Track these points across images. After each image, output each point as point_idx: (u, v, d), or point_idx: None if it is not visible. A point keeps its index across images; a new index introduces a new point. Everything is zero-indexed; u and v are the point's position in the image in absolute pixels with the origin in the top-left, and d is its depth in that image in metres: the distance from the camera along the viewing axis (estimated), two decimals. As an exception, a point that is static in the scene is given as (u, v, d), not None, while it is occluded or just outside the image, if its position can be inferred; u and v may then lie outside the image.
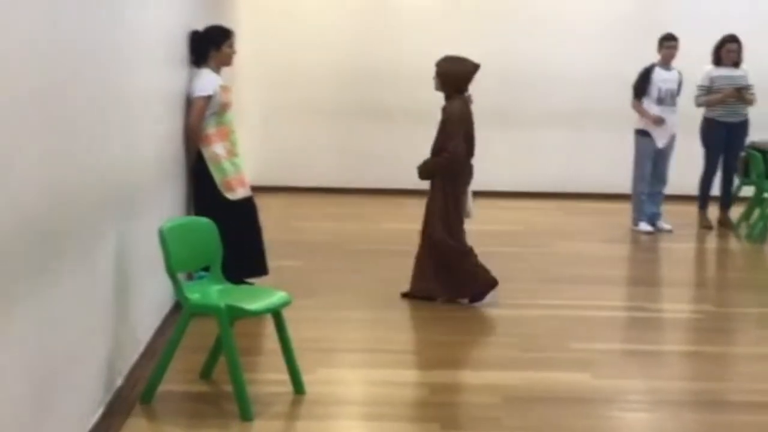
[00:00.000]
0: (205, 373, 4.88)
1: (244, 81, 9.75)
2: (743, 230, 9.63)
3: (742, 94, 9.43)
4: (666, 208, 9.62)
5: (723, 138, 9.56)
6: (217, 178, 6.15)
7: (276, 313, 4.70)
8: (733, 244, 9.43)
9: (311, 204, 10.61)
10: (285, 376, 4.74)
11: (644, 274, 8.13)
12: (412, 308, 6.41)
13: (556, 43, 11.45)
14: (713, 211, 9.81)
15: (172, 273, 4.49)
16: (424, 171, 6.50)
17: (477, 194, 11.15)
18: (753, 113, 9.61)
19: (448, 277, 6.47)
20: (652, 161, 9.43)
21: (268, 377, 4.96)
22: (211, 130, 6.15)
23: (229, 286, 4.86)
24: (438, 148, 6.46)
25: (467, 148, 6.47)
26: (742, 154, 9.71)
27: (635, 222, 9.55)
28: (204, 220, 4.94)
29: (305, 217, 9.86)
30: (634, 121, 9.52)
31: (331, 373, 5.13)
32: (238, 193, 6.23)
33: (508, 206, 10.83)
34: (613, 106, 10.60)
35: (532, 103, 11.58)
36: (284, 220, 9.28)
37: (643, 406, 4.90)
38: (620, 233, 9.43)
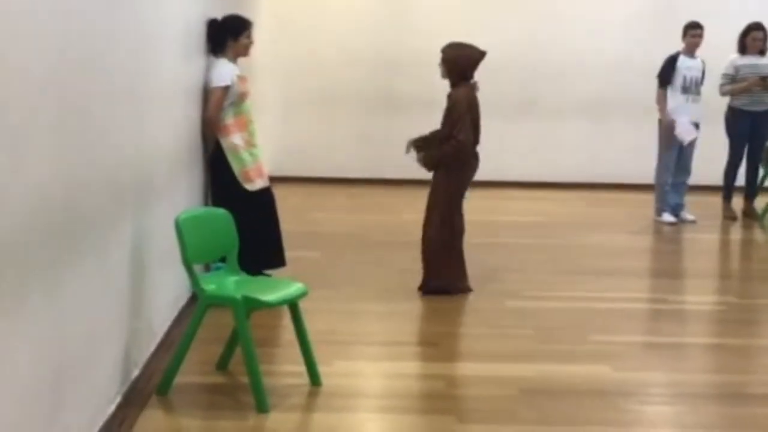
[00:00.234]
0: (222, 365, 4.87)
1: (262, 70, 9.73)
2: (768, 221, 9.53)
3: (767, 83, 9.30)
4: (690, 199, 9.53)
5: (748, 127, 9.45)
6: (236, 168, 6.13)
7: (293, 305, 4.67)
8: (758, 235, 9.33)
9: (330, 195, 10.59)
10: (301, 368, 4.72)
11: (667, 266, 8.05)
12: (429, 300, 6.36)
13: (579, 32, 11.36)
14: (738, 202, 9.70)
15: (188, 264, 4.47)
16: (430, 161, 6.41)
17: (497, 185, 11.29)
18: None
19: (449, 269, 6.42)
20: (676, 151, 9.33)
21: (285, 369, 4.94)
22: (229, 120, 6.14)
23: (245, 277, 4.85)
24: (443, 136, 6.38)
25: (474, 135, 6.39)
26: (768, 143, 9.60)
27: (658, 213, 9.46)
28: (220, 210, 4.92)
29: (323, 208, 9.84)
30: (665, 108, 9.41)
31: (347, 365, 5.09)
32: (257, 183, 6.21)
33: (529, 197, 10.78)
34: (636, 96, 10.52)
35: (554, 93, 11.50)
36: (302, 211, 9.26)
37: (663, 399, 4.84)
38: (643, 224, 9.34)
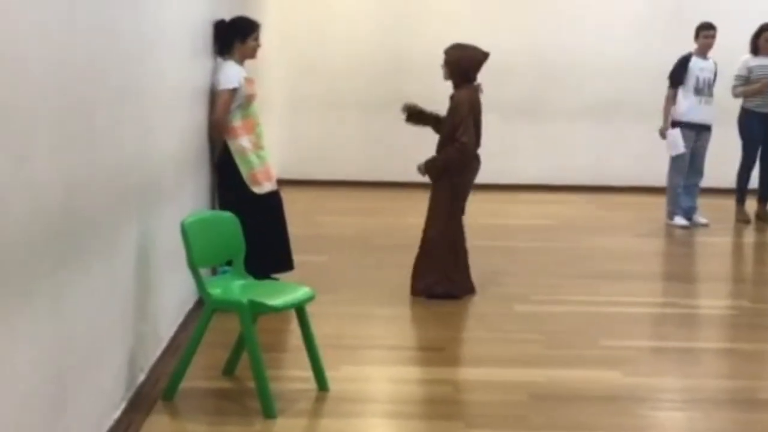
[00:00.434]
0: (228, 370, 4.84)
1: (269, 73, 9.70)
2: (782, 224, 9.45)
3: (781, 85, 9.24)
4: (702, 202, 9.46)
5: (761, 129, 9.38)
6: (244, 171, 6.10)
7: (299, 309, 4.64)
8: (771, 238, 9.26)
9: (337, 198, 10.56)
10: (309, 373, 4.69)
11: (679, 269, 7.98)
12: (436, 304, 6.31)
13: (587, 33, 11.31)
14: (751, 205, 9.63)
15: (193, 268, 4.45)
16: (434, 169, 6.34)
17: (505, 188, 11.25)
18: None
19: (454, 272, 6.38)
20: (688, 153, 9.26)
21: (292, 374, 4.92)
22: (236, 122, 6.11)
23: (251, 281, 4.81)
24: (445, 138, 6.33)
25: (476, 137, 6.34)
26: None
27: (670, 216, 9.39)
28: (227, 214, 4.90)
29: (331, 211, 9.80)
30: (671, 112, 9.33)
31: (355, 370, 5.06)
32: (265, 186, 6.18)
33: (538, 200, 10.73)
34: (646, 97, 10.44)
35: (563, 94, 11.45)
36: (309, 215, 9.23)
37: (675, 405, 4.80)
38: (654, 227, 9.28)
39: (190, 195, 5.66)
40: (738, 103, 9.49)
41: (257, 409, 4.35)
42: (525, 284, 6.88)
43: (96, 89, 3.69)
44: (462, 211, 6.44)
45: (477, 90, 6.36)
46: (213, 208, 6.19)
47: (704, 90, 9.21)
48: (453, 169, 6.30)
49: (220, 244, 4.74)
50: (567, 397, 4.71)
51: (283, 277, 6.14)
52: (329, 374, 4.70)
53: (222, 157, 6.11)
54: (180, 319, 5.46)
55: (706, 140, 9.31)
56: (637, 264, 7.77)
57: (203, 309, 4.52)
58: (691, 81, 9.19)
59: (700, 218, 9.37)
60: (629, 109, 11.32)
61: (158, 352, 4.89)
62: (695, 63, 9.22)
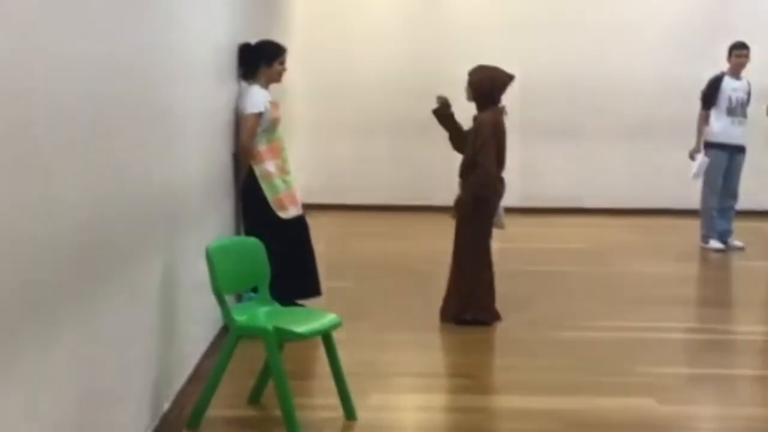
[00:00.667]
0: (254, 398, 4.79)
1: (294, 96, 9.68)
2: (819, 247, 9.28)
3: (816, 105, 9.11)
4: (738, 225, 9.31)
5: (797, 150, 9.24)
6: (269, 195, 6.06)
7: (326, 336, 4.58)
8: (809, 261, 9.08)
9: (365, 222, 10.50)
10: (336, 401, 4.62)
11: (715, 294, 7.84)
12: (467, 331, 6.22)
13: (621, 53, 11.22)
14: (788, 228, 9.48)
15: (218, 294, 4.41)
16: (465, 207, 6.26)
17: (538, 211, 11.16)
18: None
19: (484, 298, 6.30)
20: (722, 175, 9.12)
21: (319, 402, 4.85)
22: (262, 147, 6.08)
23: (277, 307, 4.77)
24: (468, 160, 6.25)
25: (499, 160, 6.26)
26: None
27: (705, 239, 9.25)
28: (252, 239, 4.85)
29: (359, 236, 9.75)
30: (704, 133, 9.22)
31: (383, 397, 4.98)
32: (290, 211, 6.14)
33: (571, 223, 10.62)
34: (680, 118, 10.30)
35: (597, 115, 11.35)
36: (337, 240, 9.17)
37: (712, 435, 4.67)
38: (689, 251, 9.15)
39: (215, 220, 5.63)
40: (774, 124, 9.35)
41: (283, 438, 4.27)
42: (557, 310, 6.77)
43: (122, 115, 3.67)
44: (489, 234, 6.35)
45: (501, 112, 6.28)
46: (238, 233, 6.16)
47: (737, 110, 9.09)
48: (482, 197, 6.21)
49: (245, 270, 4.70)
50: (602, 425, 4.61)
51: (309, 303, 6.08)
52: (357, 402, 4.63)
53: (247, 181, 6.07)
54: (205, 347, 5.40)
55: (741, 162, 9.17)
56: (672, 289, 7.64)
57: (228, 336, 4.47)
58: (723, 101, 9.08)
59: (735, 242, 9.22)
60: (664, 129, 11.20)
61: (183, 380, 4.83)
62: (728, 83, 9.11)
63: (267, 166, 6.08)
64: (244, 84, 6.21)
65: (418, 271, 7.95)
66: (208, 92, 5.48)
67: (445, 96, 6.51)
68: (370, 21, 11.27)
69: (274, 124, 6.15)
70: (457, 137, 6.47)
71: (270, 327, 4.36)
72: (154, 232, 4.26)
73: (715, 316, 6.95)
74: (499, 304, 6.42)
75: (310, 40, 10.89)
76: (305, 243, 6.26)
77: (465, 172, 6.30)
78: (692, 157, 9.13)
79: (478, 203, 6.23)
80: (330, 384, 4.64)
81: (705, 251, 9.15)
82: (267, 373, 4.66)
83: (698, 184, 9.30)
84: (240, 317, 4.48)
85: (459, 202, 6.32)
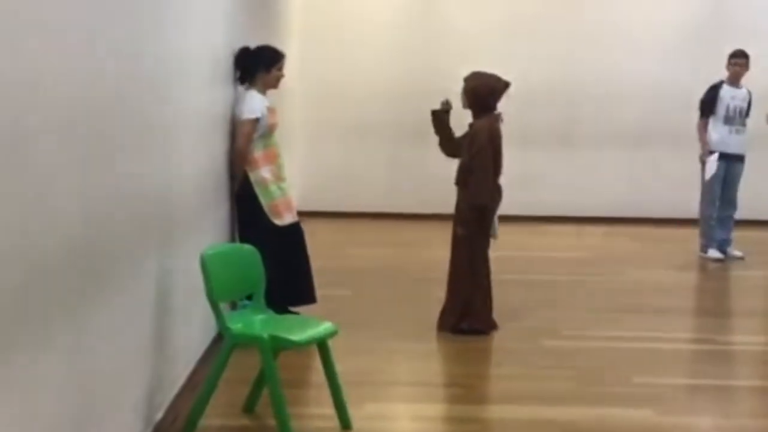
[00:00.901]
0: (248, 407, 4.75)
1: (291, 102, 9.65)
2: (819, 257, 9.24)
3: (817, 113, 9.08)
4: (737, 234, 9.27)
5: (797, 159, 9.21)
6: (264, 202, 6.03)
7: (322, 344, 4.55)
8: (809, 271, 9.04)
9: (361, 230, 10.46)
10: (331, 411, 4.58)
11: (713, 304, 7.81)
12: (462, 339, 6.19)
13: (619, 59, 11.18)
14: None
15: (213, 302, 4.38)
16: (468, 222, 6.20)
17: (535, 219, 11.13)
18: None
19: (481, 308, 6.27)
20: (720, 184, 9.09)
21: (314, 411, 4.82)
22: (258, 153, 6.04)
23: (273, 315, 4.75)
24: (464, 168, 6.23)
25: (495, 168, 6.22)
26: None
27: (704, 248, 9.21)
28: (247, 247, 4.83)
29: (354, 243, 9.71)
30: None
31: (379, 407, 4.95)
32: (286, 218, 6.10)
33: (569, 232, 10.58)
34: (679, 125, 10.28)
35: (595, 123, 11.32)
36: (332, 247, 9.12)
37: (711, 446, 4.64)
38: (688, 260, 9.11)
39: (210, 227, 5.60)
40: (773, 132, 9.33)
41: (278, 447, 4.24)
42: (555, 319, 6.73)
43: (117, 121, 3.65)
44: (487, 243, 6.31)
45: (497, 119, 6.26)
46: (233, 240, 6.12)
47: (735, 119, 9.06)
48: (479, 205, 6.17)
49: (240, 277, 4.68)
50: (599, 436, 4.57)
51: (304, 311, 6.03)
52: (352, 412, 4.60)
53: (242, 187, 6.03)
54: (199, 355, 5.36)
55: (739, 171, 9.14)
56: (670, 298, 7.60)
57: (223, 344, 4.44)
58: (721, 110, 9.06)
59: (734, 251, 9.18)
60: (663, 138, 11.16)
61: (177, 389, 4.79)
62: (726, 91, 9.08)
63: (262, 173, 6.04)
64: (240, 89, 6.18)
65: (414, 280, 7.91)
66: (205, 98, 5.45)
67: (450, 100, 6.48)
68: (367, 27, 11.22)
69: (270, 130, 6.12)
70: (447, 142, 6.45)
71: (265, 335, 4.33)
72: (149, 238, 4.23)
73: (714, 326, 6.91)
74: (496, 314, 6.39)
75: (307, 46, 10.85)
76: (300, 250, 6.22)
77: (461, 180, 6.26)
78: (703, 161, 9.07)
79: (476, 211, 6.19)
80: (325, 393, 4.61)
81: (704, 260, 9.11)
82: (262, 381, 4.63)
83: (697, 193, 9.26)
84: (235, 325, 4.45)
85: (461, 216, 6.27)
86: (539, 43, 11.16)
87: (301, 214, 6.51)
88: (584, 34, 11.23)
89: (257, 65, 6.17)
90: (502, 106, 6.33)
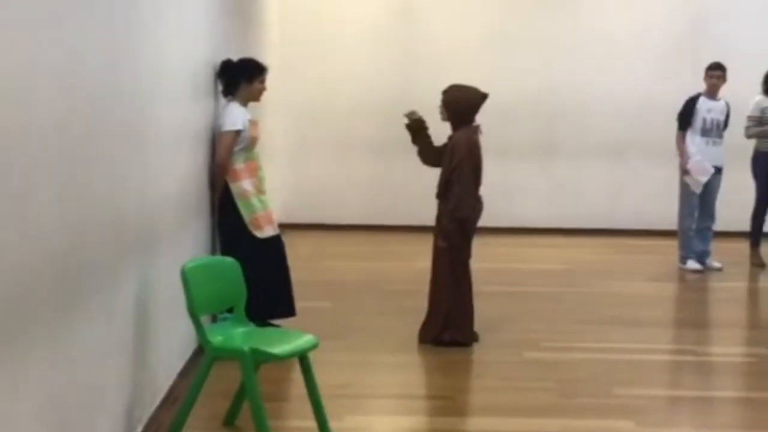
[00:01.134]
0: (229, 420, 4.72)
1: (272, 114, 9.63)
2: (797, 268, 9.29)
3: (794, 126, 9.13)
4: (715, 245, 9.31)
5: (775, 171, 9.24)
6: (245, 214, 6.01)
7: (303, 357, 4.53)
8: (787, 283, 9.09)
9: (341, 242, 10.43)
10: (312, 424, 4.56)
11: (693, 316, 7.81)
12: (443, 352, 6.18)
13: (599, 72, 11.22)
14: (766, 249, 9.46)
15: (194, 315, 4.36)
16: (451, 234, 6.19)
17: (515, 231, 11.15)
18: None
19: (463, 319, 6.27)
20: (698, 196, 9.13)
21: (294, 424, 4.80)
22: (239, 165, 6.03)
23: (253, 328, 4.73)
24: (444, 180, 6.24)
25: (475, 180, 6.24)
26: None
27: (683, 260, 9.24)
28: (228, 259, 4.81)
29: (335, 256, 9.67)
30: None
31: (360, 420, 4.93)
32: (267, 231, 6.09)
33: (549, 244, 10.59)
34: (658, 138, 10.31)
35: (575, 136, 11.35)
36: (313, 260, 9.09)
37: (691, 457, 4.64)
38: (667, 272, 9.13)
39: (190, 239, 5.57)
40: (751, 144, 9.37)
41: (258, 461, 4.22)
42: (535, 331, 6.73)
43: (96, 133, 3.63)
44: (468, 255, 6.32)
45: (476, 131, 6.27)
46: (213, 252, 6.10)
47: (712, 131, 9.11)
48: (463, 217, 6.18)
49: (221, 290, 4.66)
50: (579, 449, 4.57)
51: (285, 323, 6.02)
52: (333, 425, 4.58)
53: (223, 200, 6.01)
54: (179, 368, 5.33)
55: (717, 182, 9.19)
56: (650, 310, 7.62)
57: (203, 357, 4.42)
58: (698, 122, 9.11)
59: (713, 262, 9.22)
60: (642, 150, 11.21)
61: (156, 402, 4.76)
62: (703, 104, 9.13)
63: (244, 185, 6.02)
64: (222, 101, 6.16)
65: (395, 292, 7.89)
66: (185, 109, 5.44)
67: (416, 112, 6.48)
68: (347, 41, 11.23)
69: (252, 142, 6.11)
70: (427, 152, 6.45)
71: (246, 348, 4.31)
72: (129, 251, 4.21)
73: (694, 338, 6.92)
74: (478, 325, 6.39)
75: (287, 59, 10.84)
76: (281, 263, 6.19)
77: (442, 192, 6.27)
78: (685, 170, 9.08)
79: (456, 223, 6.19)
80: (306, 406, 4.59)
81: (683, 272, 9.14)
82: (242, 394, 4.60)
83: (676, 205, 9.29)
84: (215, 338, 4.43)
85: (442, 228, 6.27)
86: (519, 55, 11.19)
87: (282, 226, 6.49)
88: (564, 47, 11.27)
89: (240, 77, 6.16)
90: (483, 118, 6.35)
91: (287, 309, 6.17)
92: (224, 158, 5.96)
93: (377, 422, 4.99)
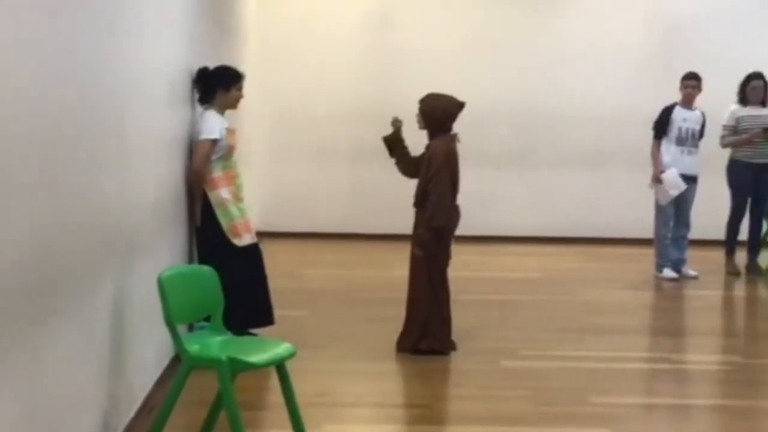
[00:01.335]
0: (206, 430, 4.67)
1: (249, 122, 9.60)
2: (772, 277, 9.35)
3: (770, 135, 9.20)
4: (691, 254, 9.36)
5: (750, 180, 9.31)
6: (224, 222, 5.99)
7: (280, 366, 4.50)
8: (762, 291, 9.15)
9: (319, 250, 10.42)
10: (289, 432, 4.53)
11: (669, 324, 7.85)
12: (421, 360, 6.17)
13: (576, 81, 11.28)
14: (741, 257, 9.53)
15: (171, 324, 4.32)
16: (427, 242, 6.21)
17: (492, 239, 11.17)
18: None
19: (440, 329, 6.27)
20: (674, 204, 9.18)
21: (272, 434, 4.76)
22: (217, 173, 6.01)
23: (230, 337, 4.69)
24: (422, 189, 6.24)
25: (452, 188, 6.25)
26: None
27: (659, 268, 9.29)
28: (205, 268, 4.79)
29: (313, 264, 9.66)
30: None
31: (337, 429, 4.92)
32: (245, 239, 6.07)
33: (525, 252, 10.62)
34: (634, 146, 10.34)
35: (551, 144, 11.39)
36: (291, 268, 9.07)
37: (667, 466, 4.65)
38: (643, 280, 9.17)
39: (167, 248, 5.54)
40: (726, 153, 9.44)
41: (235, 470, 4.18)
42: (512, 339, 6.74)
43: (72, 142, 3.61)
44: (446, 263, 6.32)
45: (453, 139, 6.28)
46: (191, 260, 6.07)
47: (687, 140, 9.16)
48: (440, 226, 6.18)
49: (198, 299, 4.62)
50: (556, 457, 4.58)
51: (263, 332, 6.00)
52: (311, 434, 4.55)
53: (201, 208, 5.98)
54: (156, 377, 5.29)
55: (692, 191, 9.24)
56: (627, 318, 7.65)
57: (180, 366, 4.38)
58: (673, 131, 9.16)
59: (689, 270, 9.27)
60: (618, 159, 11.26)
61: (132, 412, 4.72)
62: (678, 113, 9.18)
63: (222, 193, 6.00)
64: (199, 109, 6.14)
65: (373, 300, 7.88)
66: (162, 117, 5.41)
67: (399, 118, 6.50)
68: (325, 48, 11.22)
69: (229, 150, 6.09)
70: (405, 163, 6.47)
71: (223, 357, 4.28)
72: (105, 259, 4.18)
73: (670, 346, 6.95)
74: (455, 334, 6.39)
75: (265, 66, 10.83)
76: (259, 271, 6.17)
77: (419, 201, 6.28)
78: (658, 180, 9.11)
79: (433, 232, 6.20)
80: (283, 415, 4.56)
81: (659, 280, 9.18)
82: (219, 403, 4.55)
83: (652, 213, 9.34)
84: (192, 347, 4.39)
85: (418, 237, 6.27)
86: (497, 64, 11.23)
87: (259, 234, 6.48)
88: (541, 56, 11.32)
89: (217, 85, 6.14)
90: (460, 126, 6.36)
91: (265, 317, 6.15)
92: (201, 167, 5.94)
93: (355, 431, 4.98)
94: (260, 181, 10.60)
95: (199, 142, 5.95)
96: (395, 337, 6.36)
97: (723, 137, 9.37)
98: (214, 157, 5.98)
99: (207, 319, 4.74)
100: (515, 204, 11.38)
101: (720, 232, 9.58)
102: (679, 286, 8.98)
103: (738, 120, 9.30)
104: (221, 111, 6.15)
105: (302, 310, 7.40)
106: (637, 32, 11.35)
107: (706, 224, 9.71)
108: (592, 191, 11.43)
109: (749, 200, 9.41)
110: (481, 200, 10.60)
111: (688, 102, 9.23)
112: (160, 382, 5.26)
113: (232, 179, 6.11)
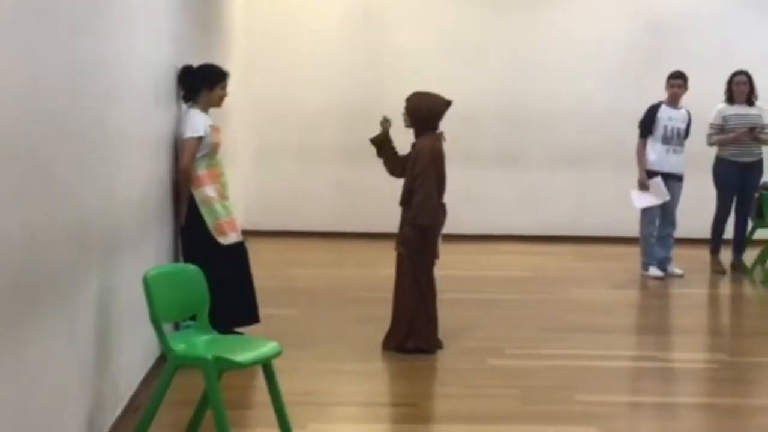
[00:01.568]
0: (192, 429, 4.67)
1: (236, 121, 9.58)
2: (758, 275, 9.35)
3: (756, 134, 9.22)
4: (677, 252, 9.39)
5: (736, 178, 9.34)
6: (209, 221, 5.97)
7: (266, 365, 4.50)
8: (748, 289, 9.18)
9: (305, 249, 10.40)
10: (275, 431, 4.51)
11: (654, 322, 7.87)
12: (408, 359, 6.17)
13: (563, 80, 11.28)
14: (726, 255, 9.57)
15: (156, 323, 4.31)
16: (411, 241, 6.20)
17: (479, 238, 11.17)
18: (767, 153, 9.41)
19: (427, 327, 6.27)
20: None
21: (258, 432, 4.74)
22: (202, 171, 5.98)
23: (216, 336, 4.69)
24: (408, 188, 6.24)
25: (439, 187, 6.24)
26: (756, 195, 9.46)
27: (644, 267, 9.31)
28: (191, 267, 4.77)
29: (299, 263, 9.63)
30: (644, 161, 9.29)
31: (324, 428, 4.91)
32: (230, 237, 6.05)
33: (512, 251, 10.63)
34: (621, 146, 10.36)
35: (537, 144, 11.39)
36: (276, 266, 9.05)
37: (654, 464, 4.66)
38: (629, 278, 9.19)
39: (153, 246, 5.52)
40: (713, 151, 9.47)
41: (221, 470, 4.17)
42: (499, 338, 6.75)
43: (56, 140, 3.59)
44: (432, 262, 6.32)
45: (439, 138, 6.28)
46: (176, 259, 6.05)
47: (672, 139, 9.18)
48: (426, 225, 6.17)
49: (184, 298, 4.62)
50: (543, 455, 4.58)
51: (248, 331, 5.98)
52: (297, 433, 4.54)
53: (187, 206, 5.96)
54: (141, 376, 5.28)
55: (678, 190, 9.26)
56: (613, 316, 7.66)
57: (166, 365, 4.37)
58: (659, 130, 9.18)
59: (675, 269, 9.30)
60: (604, 158, 11.28)
61: (118, 411, 4.71)
62: (664, 112, 9.20)
63: (207, 191, 5.98)
64: (183, 107, 6.12)
65: (359, 299, 7.87)
66: (147, 115, 5.39)
67: (388, 117, 6.50)
68: (312, 47, 11.20)
69: (214, 148, 6.07)
70: (393, 163, 6.46)
71: (209, 356, 4.27)
72: (91, 258, 4.17)
73: (656, 344, 6.97)
74: (441, 333, 6.38)
75: (251, 64, 10.81)
76: (244, 269, 6.15)
77: (405, 200, 6.27)
78: (643, 185, 9.13)
79: (418, 230, 6.19)
80: (269, 413, 4.56)
81: (645, 278, 9.20)
82: (205, 403, 4.55)
83: (637, 212, 9.35)
84: (178, 346, 4.39)
85: (403, 235, 6.26)
86: (484, 63, 11.23)
87: (245, 233, 6.45)
88: (528, 54, 11.32)
89: (201, 83, 6.12)
90: (446, 125, 6.36)
91: (251, 316, 6.14)
92: (187, 165, 5.91)
93: (341, 430, 4.98)
94: (246, 180, 10.57)
95: (184, 141, 5.93)
96: (382, 335, 6.36)
97: (710, 136, 9.40)
98: (198, 154, 5.96)
99: (193, 318, 4.73)
100: (502, 203, 11.38)
101: (705, 231, 9.61)
102: (664, 285, 9.00)
103: (725, 119, 9.33)
104: (205, 109, 6.13)
105: (288, 309, 7.38)
106: (622, 31, 11.36)
107: (691, 223, 9.74)
108: (578, 190, 11.44)
109: (735, 199, 9.44)
110: (468, 199, 10.61)
111: (673, 101, 9.25)
112: (145, 381, 5.25)
113: (217, 177, 6.09)
